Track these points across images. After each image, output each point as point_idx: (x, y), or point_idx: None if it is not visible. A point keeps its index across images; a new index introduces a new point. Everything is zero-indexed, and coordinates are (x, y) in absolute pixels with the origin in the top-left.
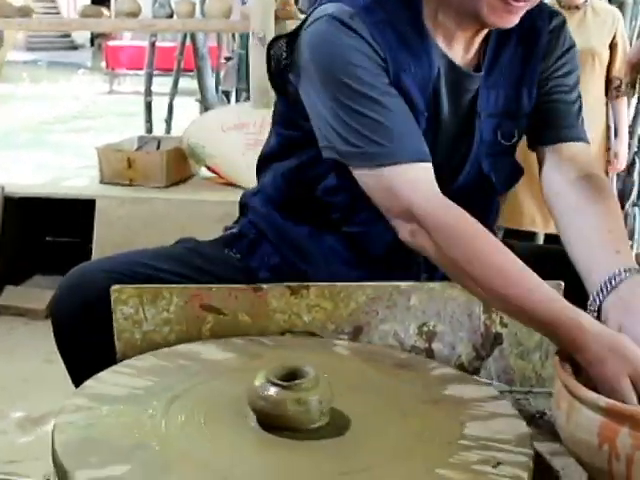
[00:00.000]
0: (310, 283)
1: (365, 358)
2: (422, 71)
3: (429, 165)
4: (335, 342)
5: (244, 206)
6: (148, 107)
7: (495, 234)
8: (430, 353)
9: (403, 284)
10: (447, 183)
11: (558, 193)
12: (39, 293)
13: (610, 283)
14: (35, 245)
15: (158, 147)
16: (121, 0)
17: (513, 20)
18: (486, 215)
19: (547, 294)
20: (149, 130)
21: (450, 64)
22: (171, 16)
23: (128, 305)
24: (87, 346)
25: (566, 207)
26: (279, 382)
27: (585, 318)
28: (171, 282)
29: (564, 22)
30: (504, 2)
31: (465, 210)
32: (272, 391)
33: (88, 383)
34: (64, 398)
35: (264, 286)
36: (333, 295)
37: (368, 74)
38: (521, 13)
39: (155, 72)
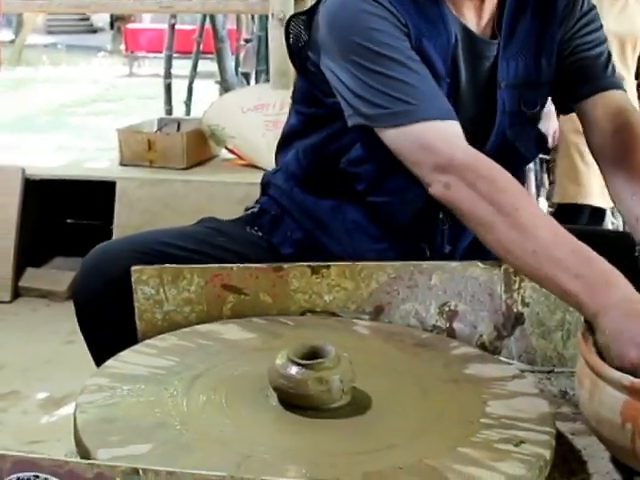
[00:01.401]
0: (331, 262)
1: (386, 338)
2: (441, 39)
3: (457, 122)
4: (356, 322)
5: (266, 185)
6: (168, 89)
7: None
8: (451, 333)
9: (424, 263)
10: None
11: (598, 156)
12: (60, 275)
13: None
14: (56, 227)
15: (178, 129)
16: None
17: None
18: None
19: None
20: (169, 112)
21: (466, 31)
22: None
23: (149, 285)
24: (108, 325)
25: (606, 172)
26: (300, 361)
27: None
28: (193, 261)
29: None
30: None
31: None
32: (293, 370)
33: (109, 363)
34: (86, 379)
35: (285, 266)
36: (354, 275)
37: (389, 37)
38: None
39: (175, 55)
